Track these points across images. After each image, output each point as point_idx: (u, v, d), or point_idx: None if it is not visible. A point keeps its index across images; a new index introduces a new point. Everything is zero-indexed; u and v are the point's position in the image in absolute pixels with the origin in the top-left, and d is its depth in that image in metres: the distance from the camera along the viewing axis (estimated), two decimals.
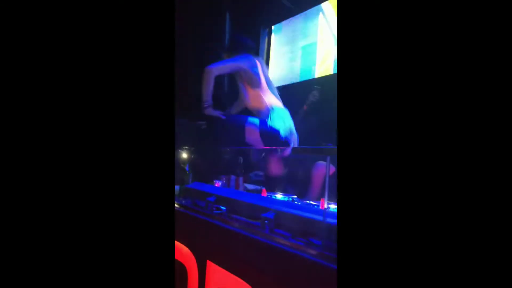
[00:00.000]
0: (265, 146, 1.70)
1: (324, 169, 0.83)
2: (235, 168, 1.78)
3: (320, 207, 0.97)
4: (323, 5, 2.99)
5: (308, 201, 1.26)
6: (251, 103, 1.79)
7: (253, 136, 1.66)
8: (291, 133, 1.73)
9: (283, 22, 3.39)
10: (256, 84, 1.73)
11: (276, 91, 1.84)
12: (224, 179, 1.64)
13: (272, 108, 1.72)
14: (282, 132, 1.64)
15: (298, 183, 1.84)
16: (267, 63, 3.52)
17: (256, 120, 1.69)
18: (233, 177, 1.66)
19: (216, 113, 1.71)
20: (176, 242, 1.21)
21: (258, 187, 1.78)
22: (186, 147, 1.93)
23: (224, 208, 1.14)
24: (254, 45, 1.86)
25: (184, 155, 1.80)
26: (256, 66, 1.74)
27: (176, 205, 1.36)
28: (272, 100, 1.76)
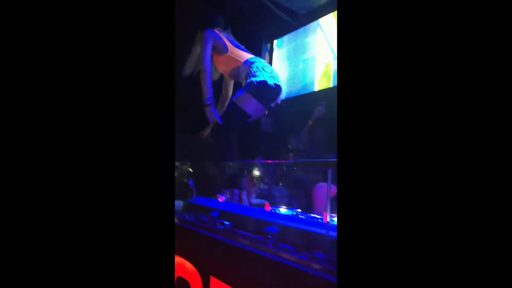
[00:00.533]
0: (263, 104, 1.65)
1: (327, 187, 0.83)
2: (239, 182, 1.78)
3: (323, 221, 0.96)
4: (321, 20, 3.05)
5: (312, 215, 1.26)
6: (224, 68, 1.83)
7: (249, 103, 1.63)
8: (277, 78, 1.71)
9: (285, 37, 3.45)
10: (222, 50, 1.78)
11: (247, 51, 1.86)
12: (228, 193, 1.65)
13: (248, 61, 1.73)
14: (269, 81, 1.62)
15: (302, 196, 1.84)
16: None
17: (240, 91, 1.68)
18: (236, 191, 1.66)
19: (215, 114, 1.68)
20: (180, 258, 1.21)
21: (263, 201, 1.78)
22: (189, 162, 1.94)
23: (227, 223, 1.14)
24: (219, 19, 1.89)
25: (187, 170, 1.81)
26: (218, 36, 1.79)
27: (180, 220, 1.36)
28: (245, 55, 1.79)
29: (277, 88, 1.67)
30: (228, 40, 1.84)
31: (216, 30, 1.83)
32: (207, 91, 1.66)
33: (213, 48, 1.79)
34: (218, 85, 1.93)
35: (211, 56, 1.78)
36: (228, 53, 1.81)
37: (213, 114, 1.66)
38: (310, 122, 2.58)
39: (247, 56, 1.82)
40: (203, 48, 1.73)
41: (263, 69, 1.67)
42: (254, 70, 1.66)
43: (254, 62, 1.74)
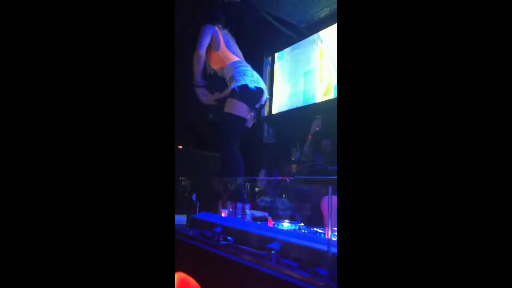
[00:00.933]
0: (248, 106, 1.75)
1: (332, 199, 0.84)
2: (242, 195, 1.79)
3: (326, 237, 0.97)
4: (321, 33, 3.09)
5: (314, 229, 1.26)
6: (214, 65, 1.95)
7: (238, 107, 1.74)
8: (258, 81, 1.81)
9: (285, 50, 3.50)
10: (216, 47, 1.88)
11: (240, 54, 1.96)
12: (230, 207, 1.65)
13: (232, 65, 1.84)
14: (250, 84, 1.73)
15: (305, 209, 1.84)
16: (271, 89, 3.60)
17: (227, 100, 1.78)
18: (239, 205, 1.66)
19: (205, 94, 1.82)
20: (183, 274, 1.21)
21: (265, 214, 1.78)
22: (192, 176, 1.96)
23: (231, 238, 1.15)
24: (219, 14, 2.00)
25: (190, 184, 1.82)
26: (216, 32, 1.89)
27: (183, 236, 1.37)
28: (232, 58, 1.89)
29: (259, 90, 1.79)
30: (224, 39, 1.93)
31: (216, 27, 1.92)
32: (198, 73, 1.84)
33: (210, 42, 1.89)
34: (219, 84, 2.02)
35: (207, 47, 1.88)
36: (219, 52, 1.89)
37: (203, 94, 1.84)
38: (310, 136, 2.61)
39: (234, 58, 1.90)
40: (201, 37, 1.84)
41: (245, 74, 1.79)
42: (236, 75, 1.79)
43: (237, 67, 1.83)
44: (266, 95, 1.85)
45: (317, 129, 2.59)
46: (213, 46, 1.91)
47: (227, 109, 1.76)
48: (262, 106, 1.91)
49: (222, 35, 1.93)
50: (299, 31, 3.22)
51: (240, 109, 1.73)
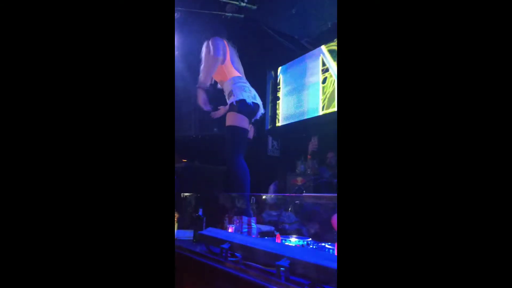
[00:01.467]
0: (247, 115, 1.86)
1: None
2: (247, 209, 1.78)
3: (335, 253, 0.96)
4: (323, 47, 3.13)
5: (322, 244, 1.25)
6: (215, 77, 2.02)
7: (238, 119, 1.85)
8: (255, 97, 1.94)
9: (288, 64, 3.54)
10: (222, 60, 1.94)
11: (241, 70, 2.04)
12: (237, 222, 1.64)
13: (232, 80, 1.93)
14: (248, 99, 1.86)
15: (312, 222, 1.83)
16: (275, 102, 3.62)
17: (228, 115, 1.88)
18: (245, 218, 1.66)
19: (203, 97, 1.87)
20: None
21: (271, 228, 1.77)
22: (198, 191, 1.96)
23: (239, 255, 1.14)
24: (223, 30, 2.10)
25: (196, 199, 1.82)
26: (225, 46, 1.98)
27: (190, 252, 1.36)
28: (233, 73, 1.97)
29: (255, 106, 1.93)
30: (230, 54, 2.00)
31: (224, 41, 1.99)
32: (209, 76, 1.90)
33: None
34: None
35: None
36: (223, 65, 1.95)
37: (204, 99, 1.88)
38: (309, 156, 2.65)
39: (235, 74, 1.98)
40: (216, 46, 1.91)
41: (243, 89, 1.91)
42: (235, 90, 1.89)
43: (236, 82, 1.93)
44: (261, 110, 1.98)
45: (314, 149, 2.64)
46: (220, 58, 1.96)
47: (229, 122, 1.87)
48: (257, 121, 2.04)
49: (229, 49, 2.00)
50: (302, 45, 3.26)
51: (241, 121, 1.85)
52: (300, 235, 1.59)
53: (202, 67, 1.96)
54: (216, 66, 1.91)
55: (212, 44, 1.92)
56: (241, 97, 1.86)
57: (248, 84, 1.97)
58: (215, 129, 3.09)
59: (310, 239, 1.31)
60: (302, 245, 1.23)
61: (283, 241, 1.27)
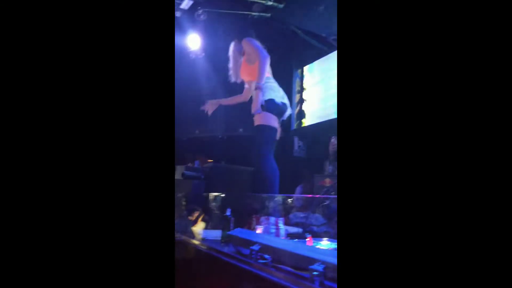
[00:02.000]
0: (276, 115, 1.87)
1: None
2: (274, 209, 1.75)
3: None
4: None
5: None
6: (245, 76, 2.02)
7: (268, 118, 1.85)
8: (284, 97, 1.94)
9: (315, 62, 3.48)
10: (254, 60, 1.93)
11: (270, 70, 2.01)
12: (265, 222, 1.62)
13: (263, 81, 1.91)
14: (277, 99, 1.87)
15: None
16: (301, 101, 3.57)
17: (257, 114, 1.86)
18: (272, 219, 1.63)
19: (259, 99, 1.81)
20: None
21: (300, 230, 1.73)
22: (225, 191, 1.95)
23: (268, 257, 1.11)
24: (251, 30, 2.07)
25: (224, 200, 1.82)
26: (256, 43, 1.95)
27: (218, 252, 1.35)
28: (263, 74, 1.92)
29: (284, 106, 1.93)
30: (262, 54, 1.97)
31: (258, 42, 1.97)
32: (262, 75, 1.86)
33: (251, 54, 1.94)
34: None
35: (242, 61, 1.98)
36: (254, 66, 1.93)
37: (257, 97, 1.83)
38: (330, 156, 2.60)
39: (265, 74, 1.95)
40: (257, 47, 1.89)
41: (272, 89, 1.91)
42: (264, 90, 1.87)
43: (266, 82, 1.91)
44: (289, 111, 1.98)
45: (334, 149, 2.59)
46: (252, 59, 1.95)
47: (258, 122, 1.86)
48: (284, 121, 2.02)
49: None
50: (329, 43, 3.19)
51: (270, 120, 1.86)
52: (329, 237, 1.54)
53: (231, 65, 1.99)
54: (268, 64, 1.90)
55: (253, 45, 1.91)
56: (270, 97, 1.87)
57: (276, 84, 1.97)
58: (240, 130, 3.09)
59: None
60: (335, 248, 1.18)
61: (315, 244, 1.23)
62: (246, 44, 1.94)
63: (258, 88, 1.82)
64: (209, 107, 2.17)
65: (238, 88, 2.12)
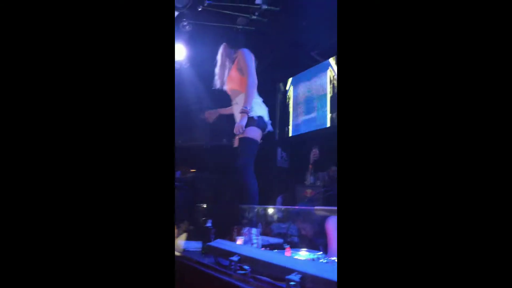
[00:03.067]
0: (260, 129, 1.92)
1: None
2: (256, 222, 1.77)
3: None
4: (331, 59, 3.15)
5: (332, 258, 1.23)
6: (232, 86, 2.00)
7: (255, 132, 1.89)
8: (267, 113, 1.99)
9: (299, 75, 3.56)
10: (244, 72, 1.93)
11: (255, 83, 2.00)
12: (245, 234, 1.63)
13: (250, 106, 1.93)
14: (265, 117, 1.95)
15: (321, 236, 1.80)
16: (286, 113, 3.62)
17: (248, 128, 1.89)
18: (254, 231, 1.64)
19: (243, 123, 1.84)
20: None
21: (280, 241, 1.74)
22: (207, 202, 1.96)
23: (248, 268, 1.12)
24: (241, 39, 2.13)
25: (206, 211, 1.81)
26: (252, 60, 1.96)
27: (198, 264, 1.35)
28: (251, 100, 1.94)
29: (268, 122, 2.00)
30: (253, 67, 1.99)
31: (251, 54, 1.98)
32: (250, 100, 1.89)
33: (241, 65, 1.95)
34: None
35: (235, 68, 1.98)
36: (244, 77, 1.93)
37: (242, 121, 1.85)
38: (310, 166, 2.65)
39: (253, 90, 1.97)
40: (248, 63, 1.92)
41: (261, 106, 1.96)
42: (254, 106, 1.92)
43: (255, 97, 1.94)
44: (269, 127, 2.03)
45: (315, 158, 2.66)
46: (243, 70, 1.95)
47: (247, 134, 1.88)
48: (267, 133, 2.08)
49: (254, 64, 2.00)
50: (312, 57, 3.28)
51: (258, 135, 1.92)
52: (310, 248, 1.56)
53: (217, 70, 2.02)
54: (255, 89, 1.92)
55: (247, 63, 1.93)
56: (260, 114, 1.94)
57: (261, 100, 2.00)
58: (224, 140, 3.10)
59: (321, 252, 1.29)
60: (313, 259, 1.21)
61: (293, 254, 1.25)
62: (241, 56, 1.94)
63: (244, 112, 1.84)
64: (209, 116, 2.19)
65: (223, 97, 2.12)
